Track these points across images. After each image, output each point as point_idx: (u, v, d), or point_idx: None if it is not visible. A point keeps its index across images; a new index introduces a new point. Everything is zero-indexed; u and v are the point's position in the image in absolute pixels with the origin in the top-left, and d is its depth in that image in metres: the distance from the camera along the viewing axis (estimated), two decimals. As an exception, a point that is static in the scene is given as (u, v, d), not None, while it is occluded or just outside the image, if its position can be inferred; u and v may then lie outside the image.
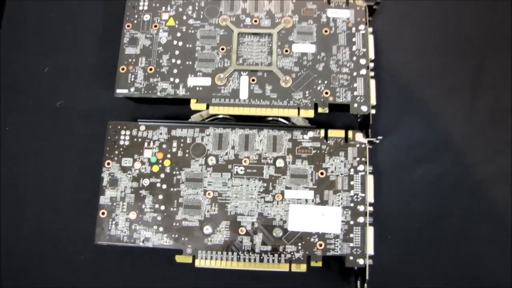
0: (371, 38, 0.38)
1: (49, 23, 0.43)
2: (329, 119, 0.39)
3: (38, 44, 0.43)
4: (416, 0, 0.44)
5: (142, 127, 0.37)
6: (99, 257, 0.38)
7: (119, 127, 0.37)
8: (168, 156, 0.36)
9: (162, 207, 0.35)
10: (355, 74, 0.37)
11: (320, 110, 0.36)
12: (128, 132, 0.37)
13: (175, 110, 0.40)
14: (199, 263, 0.35)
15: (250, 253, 0.35)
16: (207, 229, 0.35)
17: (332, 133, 0.36)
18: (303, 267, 0.34)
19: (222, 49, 0.38)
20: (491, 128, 0.40)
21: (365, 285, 0.34)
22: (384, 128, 0.40)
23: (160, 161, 0.36)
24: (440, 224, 0.39)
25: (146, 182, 0.36)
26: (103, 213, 0.36)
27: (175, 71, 0.37)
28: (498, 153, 0.40)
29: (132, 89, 0.37)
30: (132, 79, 0.37)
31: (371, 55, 0.38)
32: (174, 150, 0.36)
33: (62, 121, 0.41)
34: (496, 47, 0.42)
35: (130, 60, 0.38)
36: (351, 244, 0.35)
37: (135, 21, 0.38)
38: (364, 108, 0.36)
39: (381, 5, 0.39)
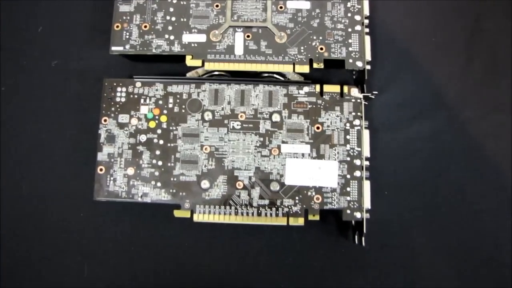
0: (365, -5, 0.38)
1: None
2: (324, 76, 0.39)
3: (31, 4, 0.42)
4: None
5: (138, 84, 0.37)
6: (98, 214, 0.38)
7: (115, 84, 0.37)
8: (165, 112, 0.36)
9: (160, 163, 0.36)
10: (350, 30, 0.37)
11: (315, 65, 0.37)
12: (124, 89, 0.37)
13: (170, 67, 0.40)
14: (197, 217, 0.35)
15: (248, 207, 0.35)
16: (205, 184, 0.35)
17: (327, 88, 0.37)
18: (300, 221, 0.35)
19: (217, 6, 0.38)
20: (487, 85, 0.41)
21: (363, 238, 0.35)
22: (379, 85, 0.40)
23: (157, 117, 0.36)
24: (436, 180, 0.39)
25: (143, 138, 0.36)
26: (101, 170, 0.36)
27: (170, 28, 0.37)
28: (493, 110, 0.40)
29: (127, 46, 0.37)
30: (127, 37, 0.37)
31: (366, 12, 0.38)
32: (170, 106, 0.36)
33: (58, 80, 0.41)
34: (493, 6, 0.42)
35: (124, 17, 0.37)
36: (348, 198, 0.35)
37: (129, -21, 0.38)
38: (359, 64, 0.36)
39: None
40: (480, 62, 0.41)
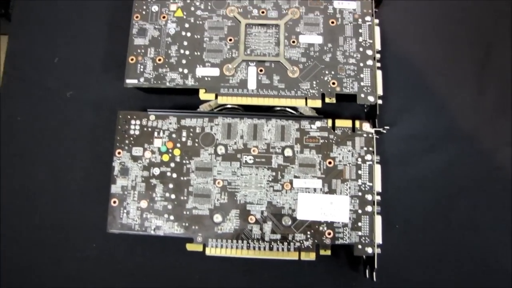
0: (377, 30, 0.38)
1: (58, 13, 0.43)
2: (336, 109, 0.40)
3: (47, 34, 0.43)
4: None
5: (152, 117, 0.37)
6: (111, 245, 0.39)
7: (129, 116, 0.37)
8: (178, 145, 0.37)
9: (173, 196, 0.36)
10: (361, 64, 0.37)
11: (327, 100, 0.37)
12: (138, 122, 0.37)
13: (184, 100, 0.40)
14: (210, 251, 0.35)
15: (260, 241, 0.35)
16: (217, 218, 0.36)
17: (339, 123, 0.37)
18: (312, 256, 0.35)
19: (230, 40, 0.38)
20: (499, 116, 0.41)
21: (374, 273, 0.35)
22: (391, 118, 0.40)
23: (170, 150, 0.37)
24: (447, 213, 0.39)
25: (156, 171, 0.36)
26: (114, 202, 0.36)
27: (183, 61, 0.38)
28: (506, 142, 0.40)
29: (142, 79, 0.37)
30: (141, 70, 0.38)
31: (378, 46, 0.38)
32: (183, 139, 0.37)
33: (73, 111, 0.41)
34: (503, 37, 0.42)
35: (139, 50, 0.38)
36: (360, 233, 0.35)
37: (144, 12, 0.39)
38: (371, 99, 0.37)
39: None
40: (492, 93, 0.41)
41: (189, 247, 0.35)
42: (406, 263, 0.38)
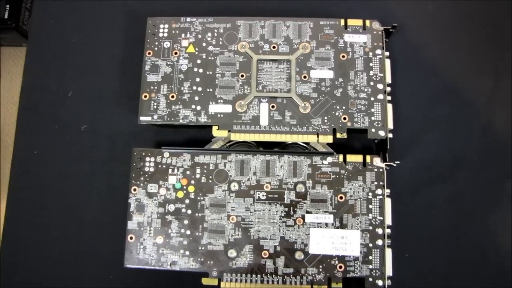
0: (388, 63, 0.39)
1: (71, 48, 0.44)
2: (347, 141, 0.40)
3: (61, 69, 0.44)
4: (431, 22, 0.44)
5: (166, 154, 0.38)
6: (128, 278, 0.40)
7: (143, 153, 0.38)
8: (192, 182, 0.37)
9: (188, 232, 0.37)
10: (372, 99, 0.38)
11: (338, 135, 0.37)
12: (152, 159, 0.38)
13: (197, 133, 0.41)
14: (225, 285, 0.36)
15: (273, 275, 0.36)
16: (232, 253, 0.36)
17: (350, 158, 0.37)
18: (324, 288, 0.36)
19: (242, 76, 0.38)
20: (508, 145, 0.41)
21: (385, 305, 0.36)
22: (401, 149, 0.41)
23: (185, 187, 0.37)
24: (458, 242, 0.40)
25: (171, 207, 0.37)
26: (131, 238, 0.37)
27: (196, 98, 0.38)
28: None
29: (155, 116, 0.38)
30: (155, 107, 0.38)
31: (388, 80, 0.38)
32: (197, 176, 0.37)
33: (88, 144, 0.42)
34: (511, 67, 0.42)
35: (152, 87, 0.39)
36: (370, 266, 0.36)
37: (156, 48, 0.39)
38: (381, 133, 0.37)
39: (397, 27, 0.39)
40: (500, 122, 0.42)
41: (205, 281, 0.36)
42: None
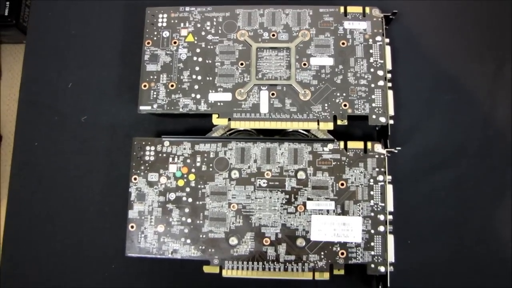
0: (388, 49, 0.38)
1: (71, 40, 0.44)
2: (348, 128, 0.40)
3: (61, 61, 0.44)
4: (432, 8, 0.44)
5: (166, 143, 0.38)
6: (130, 267, 0.40)
7: (143, 143, 0.38)
8: (193, 170, 0.37)
9: (189, 220, 0.37)
10: (373, 85, 0.38)
11: (339, 122, 0.37)
12: (152, 148, 0.38)
13: (197, 122, 0.41)
14: (226, 273, 0.36)
15: (275, 262, 0.36)
16: (233, 241, 0.36)
17: (351, 144, 0.37)
18: (326, 276, 0.36)
19: (242, 64, 0.38)
20: (508, 133, 0.41)
21: (387, 291, 0.36)
22: (403, 136, 0.41)
23: (185, 176, 0.37)
24: (460, 229, 0.40)
25: (172, 196, 0.37)
26: (132, 227, 0.37)
27: (196, 87, 0.38)
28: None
29: (155, 106, 0.38)
30: (155, 96, 0.38)
31: (389, 66, 0.38)
32: (198, 164, 0.37)
33: (88, 135, 0.42)
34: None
35: (151, 77, 0.39)
36: (372, 253, 0.36)
37: (155, 38, 0.39)
38: (382, 119, 0.37)
39: (398, 13, 0.39)
40: (503, 109, 0.41)
41: (206, 269, 0.36)
42: (419, 279, 0.39)
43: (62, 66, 0.44)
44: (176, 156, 0.38)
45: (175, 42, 0.39)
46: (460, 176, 0.40)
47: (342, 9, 0.39)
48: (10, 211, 0.42)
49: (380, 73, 0.38)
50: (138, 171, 0.38)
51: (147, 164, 0.38)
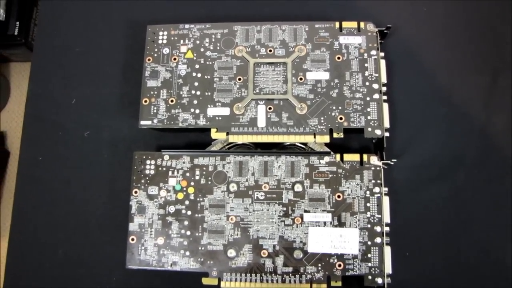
0: (383, 63, 0.39)
1: (74, 57, 0.45)
2: (344, 141, 0.40)
3: (65, 77, 0.45)
4: (427, 23, 0.45)
5: (166, 157, 0.39)
6: (130, 279, 0.40)
7: (144, 157, 0.39)
8: (192, 183, 0.38)
9: (188, 233, 0.37)
10: (368, 99, 0.38)
11: (335, 135, 0.38)
12: (153, 162, 0.39)
13: (196, 136, 0.42)
14: (224, 284, 0.37)
15: (273, 274, 0.37)
16: (231, 253, 0.37)
17: (347, 157, 0.38)
18: (323, 287, 0.36)
19: (239, 79, 0.39)
20: (507, 143, 0.41)
21: (384, 302, 0.36)
22: (399, 148, 0.41)
23: (185, 189, 0.38)
24: (458, 240, 0.40)
25: (172, 209, 0.38)
26: (132, 239, 0.38)
27: (195, 102, 0.39)
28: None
29: (155, 121, 0.39)
30: (155, 111, 0.39)
31: (384, 79, 0.39)
32: (197, 177, 0.38)
33: (91, 150, 0.43)
34: (509, 65, 0.43)
35: (152, 92, 0.40)
36: (369, 264, 0.36)
37: (155, 55, 0.40)
38: (378, 132, 0.38)
39: (392, 28, 0.40)
40: (498, 120, 0.42)
41: (205, 281, 0.37)
42: (416, 290, 0.39)
43: (66, 83, 0.45)
44: (175, 170, 0.38)
45: (175, 59, 0.40)
46: (456, 188, 0.41)
47: (337, 24, 0.40)
48: (15, 223, 0.43)
49: (375, 86, 0.39)
50: (139, 185, 0.38)
51: (147, 178, 0.38)
